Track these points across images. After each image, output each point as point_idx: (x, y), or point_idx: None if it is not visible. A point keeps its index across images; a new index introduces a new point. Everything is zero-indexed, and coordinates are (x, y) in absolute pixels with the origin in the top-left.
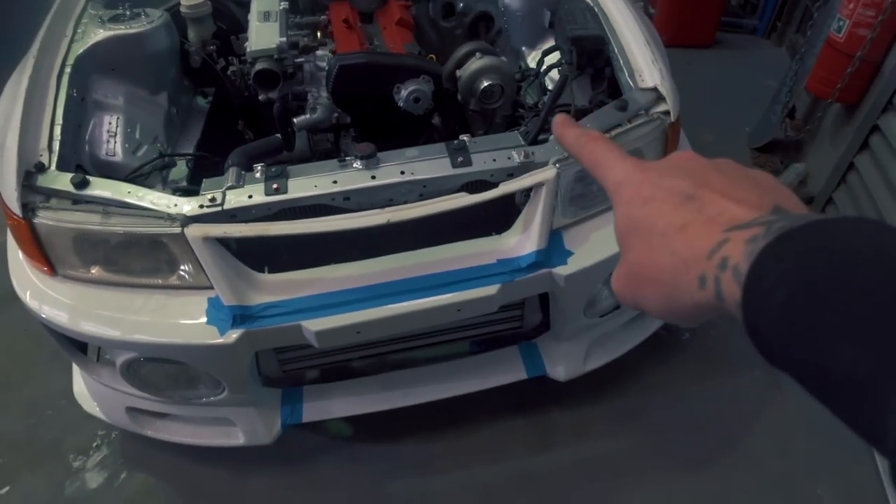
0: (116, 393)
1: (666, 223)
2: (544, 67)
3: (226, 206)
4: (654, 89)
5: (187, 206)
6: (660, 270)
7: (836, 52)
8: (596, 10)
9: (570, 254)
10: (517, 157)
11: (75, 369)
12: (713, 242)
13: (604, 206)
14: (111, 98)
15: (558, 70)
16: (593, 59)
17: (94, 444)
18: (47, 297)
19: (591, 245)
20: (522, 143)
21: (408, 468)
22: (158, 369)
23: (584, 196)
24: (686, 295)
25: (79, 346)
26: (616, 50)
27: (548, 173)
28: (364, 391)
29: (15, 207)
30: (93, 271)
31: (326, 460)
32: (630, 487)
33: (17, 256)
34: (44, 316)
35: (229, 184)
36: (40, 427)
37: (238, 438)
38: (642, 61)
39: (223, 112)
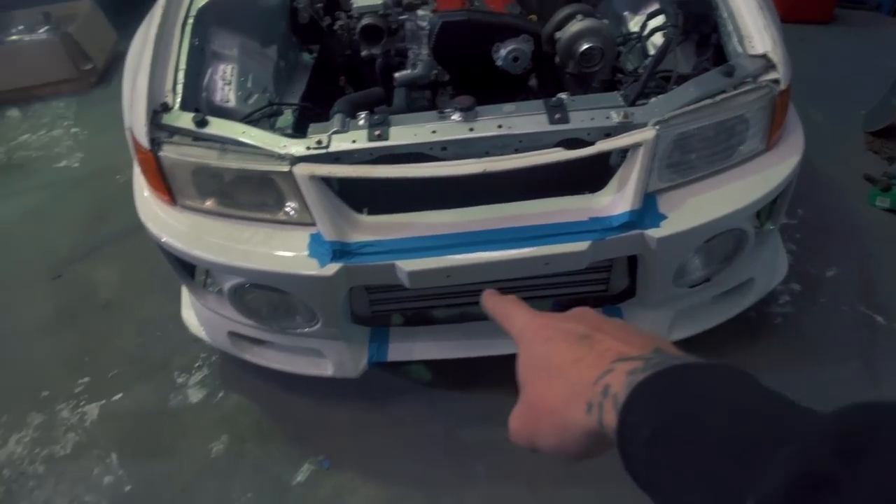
0: (220, 318)
1: (562, 358)
2: (647, 31)
3: (331, 149)
4: (764, 56)
5: (296, 147)
6: (554, 399)
7: None
8: None
9: (663, 217)
10: (616, 117)
11: (184, 295)
12: (600, 371)
13: (702, 172)
14: (227, 49)
15: (662, 34)
16: (699, 24)
17: (197, 365)
18: (168, 225)
19: (686, 210)
20: (622, 103)
21: (484, 416)
22: (261, 297)
23: (681, 163)
24: (576, 422)
25: (189, 273)
26: (725, 14)
27: (647, 134)
28: (447, 338)
29: (144, 141)
30: (207, 203)
31: (405, 402)
32: None
33: (141, 189)
34: (163, 240)
35: (335, 129)
36: (150, 346)
37: (327, 370)
38: (753, 27)
39: (326, 68)
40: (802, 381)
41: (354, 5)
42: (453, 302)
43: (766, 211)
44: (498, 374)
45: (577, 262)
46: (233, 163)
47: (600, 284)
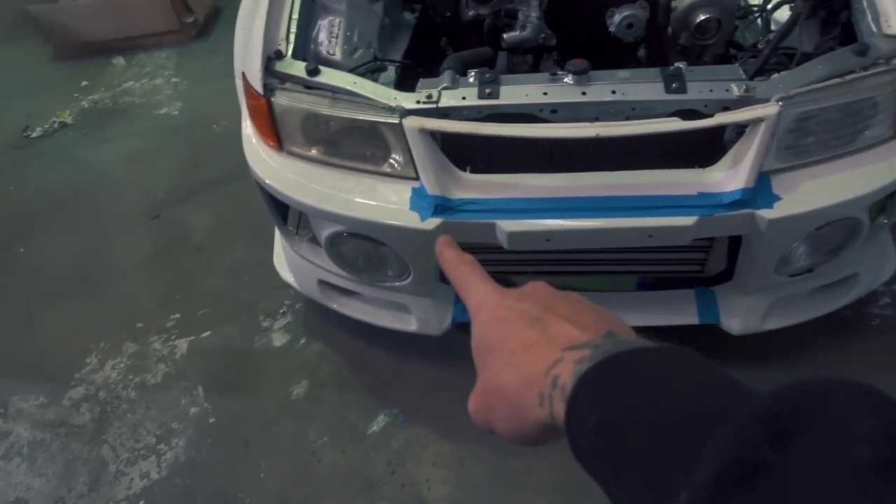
0: (311, 266)
1: (515, 342)
2: (772, 4)
3: (440, 104)
4: None
5: (406, 100)
6: (508, 389)
7: None
8: None
9: (777, 198)
10: (736, 90)
11: (276, 242)
12: (551, 361)
13: (822, 155)
14: (335, 3)
15: (789, 7)
16: (829, 0)
17: (281, 311)
18: (273, 170)
19: (802, 194)
20: (743, 76)
21: None
22: (357, 247)
23: (801, 143)
24: (531, 413)
25: (284, 219)
26: None
27: (769, 109)
28: None
29: (258, 86)
30: (314, 151)
31: None
32: None
33: (249, 134)
34: (268, 183)
35: (444, 84)
36: (238, 289)
37: (411, 325)
38: (891, 5)
39: (427, 29)
40: (894, 390)
41: None
42: (543, 269)
43: (879, 204)
44: None
45: (681, 237)
46: (343, 112)
47: (696, 265)
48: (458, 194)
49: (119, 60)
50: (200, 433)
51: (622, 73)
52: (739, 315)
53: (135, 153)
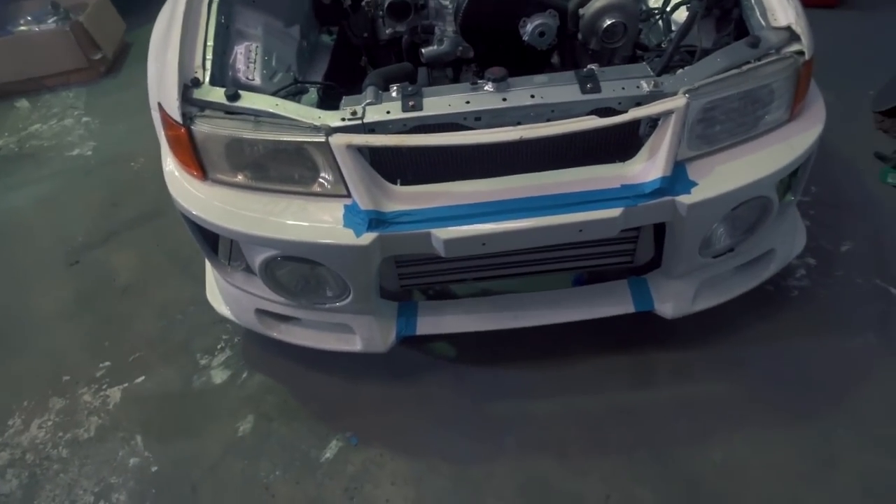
0: (247, 296)
1: None
2: (671, 6)
3: (365, 120)
4: (788, 28)
5: (330, 118)
6: None
7: None
8: None
9: (693, 184)
10: (646, 86)
11: (208, 276)
12: None
13: (729, 141)
14: (251, 28)
15: (686, 8)
16: (721, 0)
17: (219, 347)
18: (199, 200)
19: (716, 177)
20: (651, 73)
21: (510, 391)
22: (293, 271)
23: (709, 131)
24: None
25: (214, 251)
26: None
27: (678, 101)
28: (475, 311)
29: (176, 115)
30: (240, 177)
31: (432, 378)
32: (729, 430)
33: (171, 169)
34: (195, 214)
35: (368, 100)
36: (171, 329)
37: (356, 345)
38: (776, 0)
39: (346, 49)
40: (820, 352)
41: None
42: (482, 275)
43: (785, 183)
44: (524, 348)
45: (610, 229)
46: (268, 134)
47: (626, 256)
48: (391, 207)
49: (23, 103)
50: (143, 484)
51: (539, 79)
52: (671, 299)
53: (47, 198)
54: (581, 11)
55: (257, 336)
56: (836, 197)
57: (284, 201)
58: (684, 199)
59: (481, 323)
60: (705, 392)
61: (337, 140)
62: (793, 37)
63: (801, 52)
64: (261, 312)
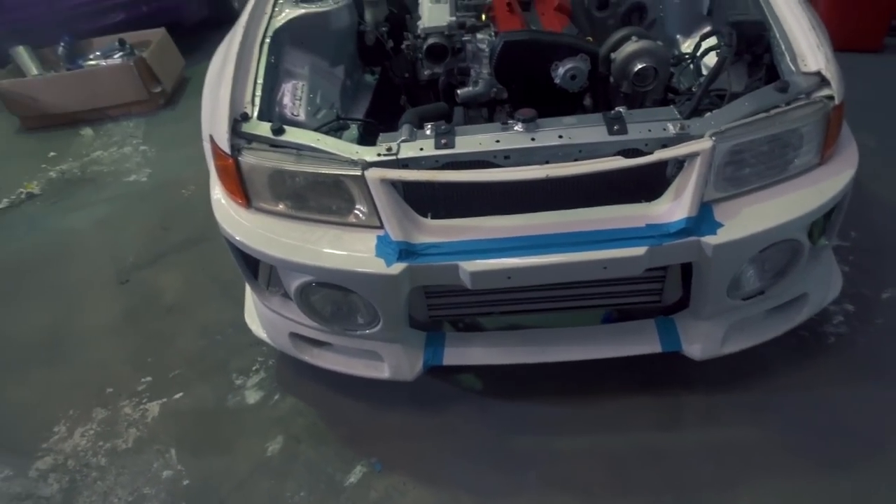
0: (282, 319)
1: None
2: (701, 51)
3: (400, 156)
4: (818, 73)
5: (367, 153)
6: None
7: None
8: None
9: (720, 225)
10: (672, 129)
11: (247, 300)
12: None
13: (757, 184)
14: (299, 67)
15: (716, 53)
16: (752, 45)
17: (254, 368)
18: (242, 226)
19: (742, 219)
20: (678, 116)
21: (535, 426)
22: (326, 297)
23: (737, 174)
24: None
25: (254, 275)
26: (777, 34)
27: (704, 144)
28: (502, 344)
29: (225, 147)
30: (280, 206)
31: (457, 409)
32: (757, 476)
33: (218, 197)
34: (238, 239)
35: (403, 137)
36: (210, 348)
37: (384, 372)
38: (805, 46)
39: (388, 89)
40: (857, 402)
41: (421, 27)
42: (510, 309)
43: (819, 227)
44: (550, 384)
45: (634, 268)
46: (308, 167)
47: (653, 295)
48: (421, 239)
49: (87, 131)
50: (174, 497)
51: (568, 120)
52: (699, 340)
53: (103, 220)
54: (613, 56)
55: (290, 360)
56: (877, 243)
57: (321, 230)
58: (710, 240)
59: (508, 356)
60: (733, 437)
61: (372, 174)
62: (823, 82)
63: (830, 97)
64: (294, 336)
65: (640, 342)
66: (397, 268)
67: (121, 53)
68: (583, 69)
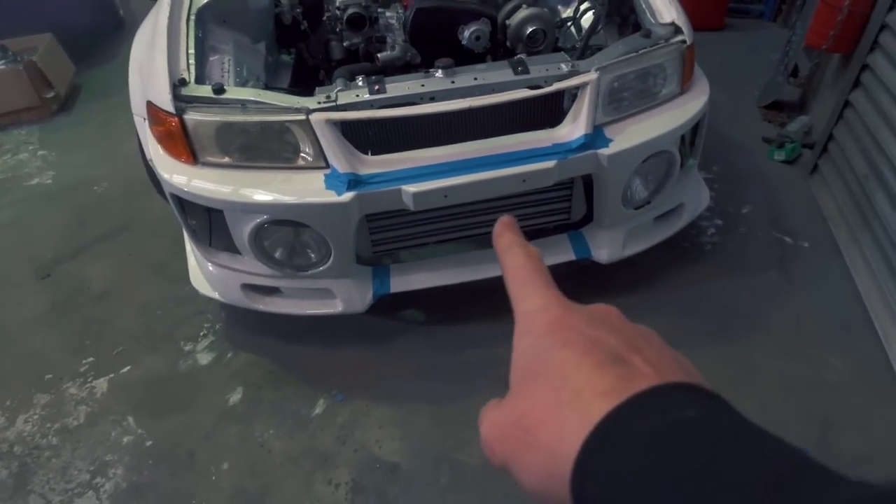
0: (232, 273)
1: (585, 381)
2: (580, 13)
3: (338, 102)
4: (672, 24)
5: (308, 101)
6: (555, 434)
7: (828, 5)
8: None
9: (610, 140)
10: (565, 67)
11: (191, 263)
12: None
13: (635, 109)
14: (223, 44)
15: (592, 13)
16: (620, 8)
17: (202, 334)
18: (192, 179)
19: (627, 135)
20: (569, 58)
21: (476, 342)
22: (279, 239)
23: (618, 100)
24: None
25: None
26: None
27: (591, 76)
28: (440, 268)
29: (170, 108)
30: (227, 159)
31: (405, 339)
32: None
33: (160, 158)
34: (188, 190)
35: (339, 88)
36: (152, 324)
37: (337, 307)
38: (661, 3)
39: (305, 68)
40: (734, 289)
41: (339, 1)
42: (442, 238)
43: (687, 150)
44: (485, 305)
45: (547, 179)
46: (254, 116)
47: (563, 214)
48: (366, 171)
49: None
50: (138, 457)
51: (480, 66)
52: (605, 246)
53: (9, 222)
54: (508, 22)
55: (238, 320)
56: (734, 173)
57: (270, 174)
58: (604, 152)
59: (446, 277)
60: (643, 325)
61: (316, 117)
62: (677, 30)
63: (683, 41)
64: (246, 288)
65: (557, 252)
66: (347, 196)
67: (3, 60)
68: (485, 31)
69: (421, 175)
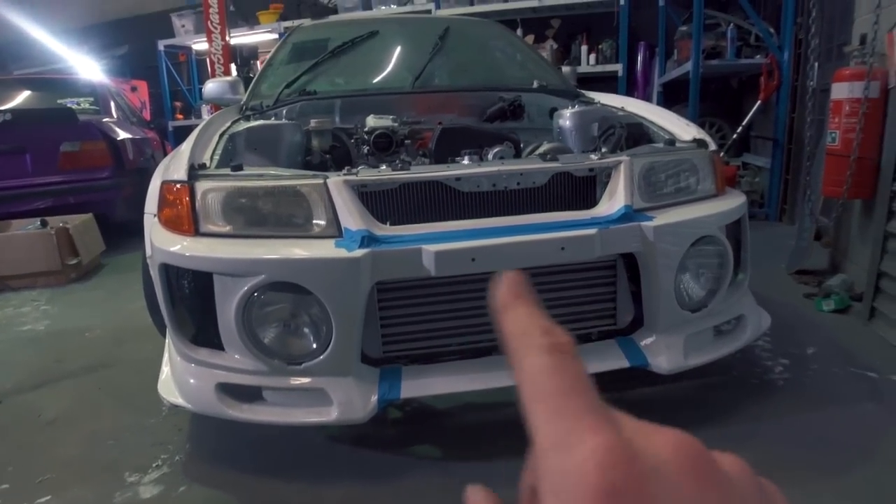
0: (207, 372)
1: None
2: (603, 137)
3: (359, 176)
4: (694, 140)
5: (329, 177)
6: None
7: (836, 157)
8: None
9: (653, 217)
10: (595, 157)
11: (164, 368)
12: None
13: (673, 199)
14: (249, 165)
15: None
16: (638, 141)
17: (155, 465)
18: (185, 245)
19: (669, 215)
20: (598, 155)
21: (510, 480)
22: (271, 315)
23: (655, 186)
24: None
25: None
26: (655, 127)
27: (623, 158)
28: (462, 372)
29: (182, 176)
30: (229, 228)
31: (414, 476)
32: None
33: (158, 233)
34: (179, 254)
35: (362, 167)
36: (98, 452)
37: (331, 414)
38: (678, 128)
39: None
40: (824, 421)
41: (368, 126)
42: (467, 340)
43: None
44: (517, 439)
45: (588, 249)
46: (269, 182)
47: (608, 318)
48: (383, 233)
49: None
50: None
51: (508, 159)
52: (662, 353)
53: None
54: (536, 151)
55: (204, 453)
56: (785, 322)
57: (278, 242)
58: (649, 224)
59: (472, 383)
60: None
61: (334, 180)
62: (700, 143)
63: (708, 147)
64: (222, 392)
65: (606, 359)
66: (359, 252)
67: (37, 226)
68: (509, 153)
69: (445, 238)
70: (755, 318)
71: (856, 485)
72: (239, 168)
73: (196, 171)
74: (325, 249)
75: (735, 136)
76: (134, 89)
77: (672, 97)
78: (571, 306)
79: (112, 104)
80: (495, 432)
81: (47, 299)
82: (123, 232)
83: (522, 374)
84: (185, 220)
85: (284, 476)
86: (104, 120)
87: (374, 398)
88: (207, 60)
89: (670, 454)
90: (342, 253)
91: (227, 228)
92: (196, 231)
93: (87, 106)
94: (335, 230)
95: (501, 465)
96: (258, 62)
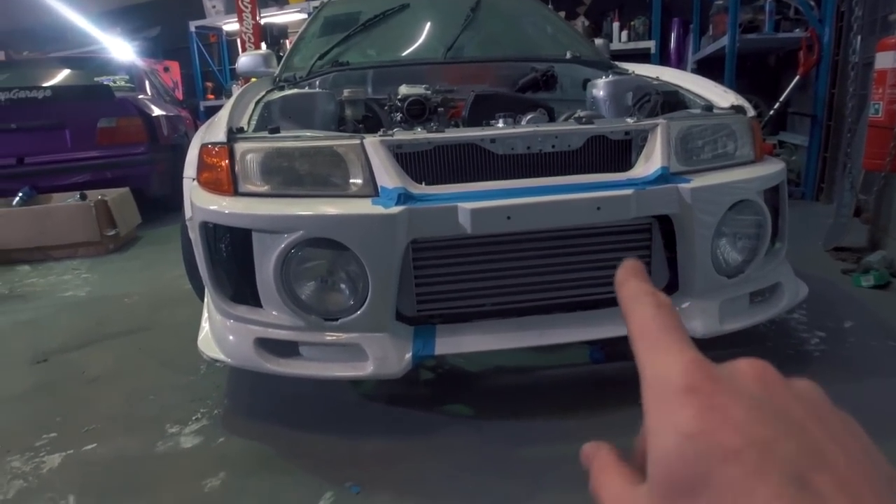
0: (246, 328)
1: None
2: (638, 104)
3: (395, 137)
4: (732, 106)
5: (366, 137)
6: None
7: (879, 129)
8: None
9: (690, 179)
10: (631, 121)
11: (203, 325)
12: None
13: (711, 164)
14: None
15: (648, 102)
16: (675, 108)
17: (194, 418)
18: (225, 205)
19: (707, 178)
20: (634, 119)
21: (541, 437)
22: (309, 271)
23: (692, 151)
24: None
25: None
26: (692, 95)
27: (660, 120)
28: (497, 331)
29: (222, 138)
30: (268, 186)
31: (447, 432)
32: None
33: (197, 194)
34: (219, 212)
35: (397, 129)
36: (140, 406)
37: (367, 368)
38: (715, 95)
39: None
40: (863, 390)
41: (401, 94)
42: (502, 301)
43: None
44: (548, 400)
45: (624, 209)
46: (307, 143)
47: None
48: (419, 192)
49: (24, 267)
50: None
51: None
52: (697, 317)
53: (26, 321)
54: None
55: (243, 407)
56: (822, 297)
57: (315, 201)
58: (686, 186)
59: (505, 341)
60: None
61: (371, 139)
62: (738, 109)
63: (746, 113)
64: (260, 344)
65: None
66: (396, 209)
67: (77, 199)
68: (542, 119)
69: (481, 196)
70: (792, 286)
71: (892, 454)
72: (276, 131)
73: (234, 133)
74: (363, 207)
75: (772, 112)
76: (166, 70)
77: (706, 75)
78: (606, 269)
79: (146, 82)
80: (525, 394)
81: (87, 268)
82: (159, 207)
83: (633, 322)
84: (225, 181)
85: (319, 430)
86: (139, 97)
87: (409, 354)
88: (238, 40)
89: (743, 367)
90: (379, 210)
91: (265, 188)
92: (235, 191)
93: (122, 83)
94: (372, 189)
95: (534, 424)
96: (287, 41)
